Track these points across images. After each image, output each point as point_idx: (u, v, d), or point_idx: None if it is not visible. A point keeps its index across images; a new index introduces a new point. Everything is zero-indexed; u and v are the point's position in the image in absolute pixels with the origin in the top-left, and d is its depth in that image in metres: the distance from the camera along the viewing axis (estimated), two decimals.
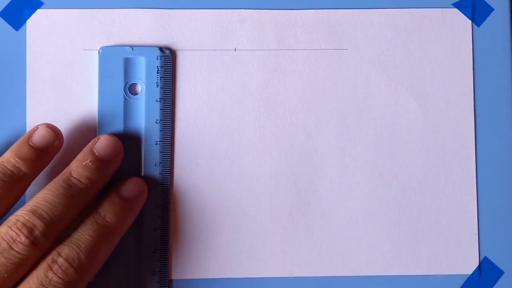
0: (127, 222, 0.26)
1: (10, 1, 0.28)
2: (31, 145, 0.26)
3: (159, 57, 0.28)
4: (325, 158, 0.29)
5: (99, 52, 0.28)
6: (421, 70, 0.29)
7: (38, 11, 0.29)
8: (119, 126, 0.28)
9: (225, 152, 0.29)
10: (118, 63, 0.28)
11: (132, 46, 0.28)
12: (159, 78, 0.28)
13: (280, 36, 0.29)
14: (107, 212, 0.26)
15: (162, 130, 0.28)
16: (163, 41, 0.29)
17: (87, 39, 0.28)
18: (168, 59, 0.28)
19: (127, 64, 0.28)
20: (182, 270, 0.28)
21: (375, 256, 0.29)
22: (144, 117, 0.28)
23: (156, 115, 0.28)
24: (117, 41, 0.28)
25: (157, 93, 0.28)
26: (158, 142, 0.28)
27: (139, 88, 0.28)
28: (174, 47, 0.29)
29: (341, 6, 0.29)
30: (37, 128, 0.27)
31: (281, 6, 0.29)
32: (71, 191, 0.25)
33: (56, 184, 0.25)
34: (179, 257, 0.28)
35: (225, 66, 0.29)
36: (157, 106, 0.28)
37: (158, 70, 0.28)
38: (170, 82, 0.28)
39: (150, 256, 0.27)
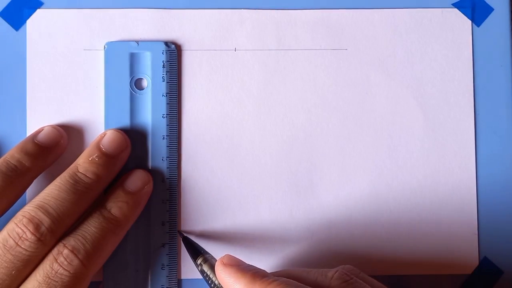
0: (133, 216, 0.26)
1: (10, 1, 0.28)
2: (36, 142, 0.26)
3: (164, 51, 0.28)
4: (325, 158, 0.29)
5: (104, 48, 0.28)
6: (421, 70, 0.29)
7: (38, 11, 0.29)
8: (125, 121, 0.28)
9: (225, 152, 0.29)
10: (123, 58, 0.28)
11: (137, 41, 0.28)
12: (165, 73, 0.28)
13: (280, 36, 0.29)
14: (112, 206, 0.26)
15: (169, 125, 0.28)
16: (163, 41, 0.29)
17: (87, 39, 0.28)
18: (173, 53, 0.28)
19: (133, 59, 0.28)
20: (183, 270, 0.28)
21: (375, 256, 0.29)
22: (150, 112, 0.28)
23: (163, 109, 0.28)
24: (117, 40, 0.28)
25: (163, 87, 0.28)
26: (165, 137, 0.28)
27: (145, 83, 0.28)
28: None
29: (341, 6, 0.29)
30: (43, 128, 0.27)
31: (281, 6, 0.29)
32: (78, 187, 0.25)
33: (62, 180, 0.25)
34: (180, 257, 0.28)
35: (225, 66, 0.29)
36: (163, 100, 0.28)
37: (164, 65, 0.28)
38: (176, 77, 0.28)
39: (158, 251, 0.27)
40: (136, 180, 0.27)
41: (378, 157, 0.29)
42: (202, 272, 0.26)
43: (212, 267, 0.25)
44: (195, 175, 0.28)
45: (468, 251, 0.29)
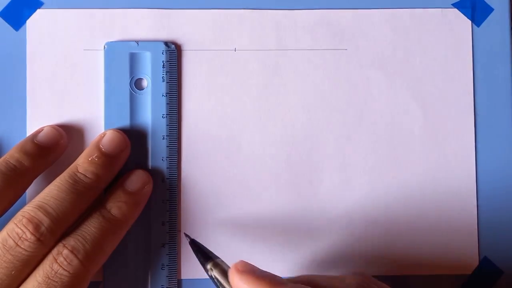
0: (133, 216, 0.26)
1: (10, 1, 0.28)
2: (35, 142, 0.26)
3: (164, 51, 0.28)
4: (325, 158, 0.29)
5: (104, 48, 0.28)
6: (421, 70, 0.29)
7: (38, 11, 0.29)
8: (125, 121, 0.28)
9: (225, 152, 0.29)
10: (123, 58, 0.28)
11: (137, 41, 0.28)
12: (165, 73, 0.28)
13: (280, 36, 0.29)
14: (112, 206, 0.26)
15: (168, 125, 0.28)
16: (163, 41, 0.29)
17: (87, 39, 0.28)
18: (173, 53, 0.28)
19: (133, 59, 0.28)
20: (183, 270, 0.28)
21: (375, 256, 0.29)
22: (150, 112, 0.28)
23: (163, 109, 0.28)
24: (117, 40, 0.28)
25: (163, 87, 0.28)
26: (165, 137, 0.28)
27: (145, 83, 0.28)
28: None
29: (341, 6, 0.29)
30: (43, 128, 0.27)
31: (281, 6, 0.29)
32: (77, 187, 0.25)
33: (62, 180, 0.25)
34: (180, 257, 0.28)
35: (225, 66, 0.29)
36: (163, 100, 0.28)
37: (163, 65, 0.28)
38: (176, 77, 0.28)
39: (158, 251, 0.27)
40: (136, 180, 0.27)
41: (378, 157, 0.29)
42: (212, 277, 0.25)
43: (223, 273, 0.24)
44: (195, 175, 0.28)
45: (468, 251, 0.29)
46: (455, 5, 0.29)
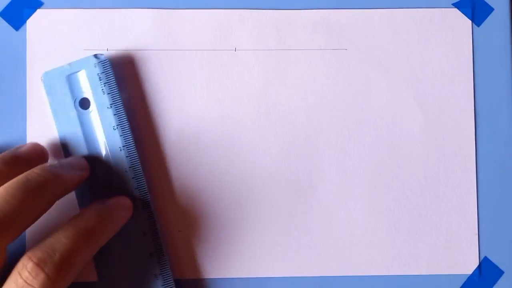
0: (110, 231, 0.25)
1: (10, 1, 0.28)
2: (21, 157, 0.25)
3: (96, 64, 0.27)
4: (325, 158, 0.29)
5: (42, 79, 0.27)
6: (421, 70, 0.29)
7: (38, 11, 0.29)
8: (81, 142, 0.27)
9: (225, 152, 0.29)
10: (61, 83, 0.27)
11: (69, 63, 0.27)
12: (103, 85, 0.27)
13: (280, 36, 0.29)
14: (90, 216, 0.24)
15: (122, 135, 0.27)
16: (163, 40, 0.29)
17: (87, 39, 0.28)
18: (106, 63, 0.27)
19: (71, 81, 0.27)
20: (183, 270, 0.28)
21: (375, 256, 0.29)
22: (101, 127, 0.27)
23: (112, 121, 0.27)
24: (117, 41, 0.28)
25: (105, 100, 0.27)
26: (121, 148, 0.27)
27: (88, 100, 0.27)
28: (174, 47, 0.29)
29: (341, 6, 0.29)
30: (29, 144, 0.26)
31: (281, 6, 0.29)
32: (28, 183, 0.23)
33: (11, 181, 0.23)
34: (180, 257, 0.28)
35: (225, 66, 0.29)
36: (109, 112, 0.27)
37: (100, 78, 0.27)
38: (116, 86, 0.27)
39: (146, 261, 0.27)
40: (117, 200, 0.26)
41: (378, 157, 0.29)
42: None
43: None
44: (195, 175, 0.28)
45: (468, 251, 0.29)
46: (455, 5, 0.29)
